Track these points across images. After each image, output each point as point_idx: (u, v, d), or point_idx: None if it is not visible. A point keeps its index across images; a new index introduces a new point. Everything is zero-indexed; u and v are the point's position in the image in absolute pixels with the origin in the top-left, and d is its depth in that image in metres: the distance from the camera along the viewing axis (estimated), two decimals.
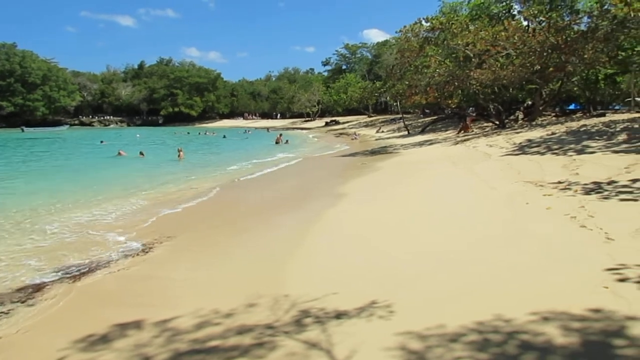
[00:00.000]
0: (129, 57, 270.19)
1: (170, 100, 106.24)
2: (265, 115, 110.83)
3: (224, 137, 47.94)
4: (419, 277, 4.85)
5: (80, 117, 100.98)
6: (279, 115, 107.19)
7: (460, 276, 4.73)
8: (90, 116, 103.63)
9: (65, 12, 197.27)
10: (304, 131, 61.13)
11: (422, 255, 5.56)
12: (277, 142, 36.68)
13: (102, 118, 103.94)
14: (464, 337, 3.36)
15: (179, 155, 24.92)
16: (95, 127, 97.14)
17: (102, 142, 39.37)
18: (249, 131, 61.43)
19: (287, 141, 38.21)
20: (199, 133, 57.92)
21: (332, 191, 11.39)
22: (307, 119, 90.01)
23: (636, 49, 25.46)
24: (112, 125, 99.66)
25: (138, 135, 52.98)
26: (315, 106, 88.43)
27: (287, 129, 71.55)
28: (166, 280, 5.56)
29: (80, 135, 59.45)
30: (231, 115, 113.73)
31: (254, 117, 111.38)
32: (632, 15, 19.31)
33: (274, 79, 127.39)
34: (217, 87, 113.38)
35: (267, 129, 69.89)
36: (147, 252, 6.84)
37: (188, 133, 59.63)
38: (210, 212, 10.03)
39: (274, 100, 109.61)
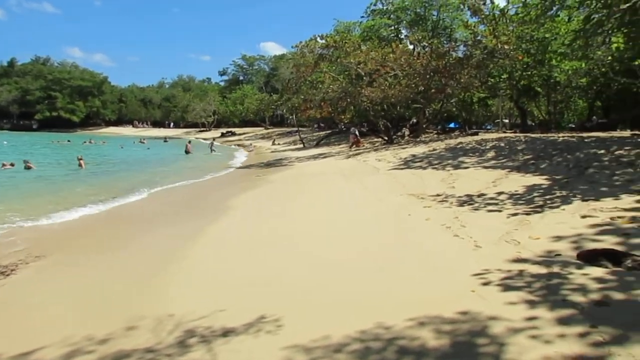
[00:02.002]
0: None
1: (47, 104, 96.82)
2: (157, 124, 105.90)
3: (121, 147, 42.90)
4: (307, 289, 4.90)
5: None
6: (172, 124, 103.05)
7: (347, 286, 4.87)
8: None
9: None
10: (202, 142, 58.97)
11: (311, 267, 5.63)
12: (187, 152, 34.76)
13: None
14: (347, 347, 3.44)
15: (79, 164, 22.52)
16: None
17: None
18: (143, 140, 55.79)
19: (213, 142, 37.44)
20: (84, 142, 51.98)
21: (223, 204, 11.13)
22: (202, 129, 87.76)
23: (502, 77, 28.76)
24: None
25: (5, 143, 46.54)
26: (211, 116, 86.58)
27: (182, 138, 68.94)
28: (30, 307, 4.98)
29: None
30: (119, 122, 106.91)
31: (144, 125, 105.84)
32: (499, 47, 21.84)
33: (167, 86, 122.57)
34: (104, 91, 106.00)
35: (165, 138, 65.97)
36: (7, 274, 6.08)
37: (69, 141, 54.02)
38: (92, 228, 9.25)
39: (167, 108, 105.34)
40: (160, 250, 7.23)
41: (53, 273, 6.16)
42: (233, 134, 71.73)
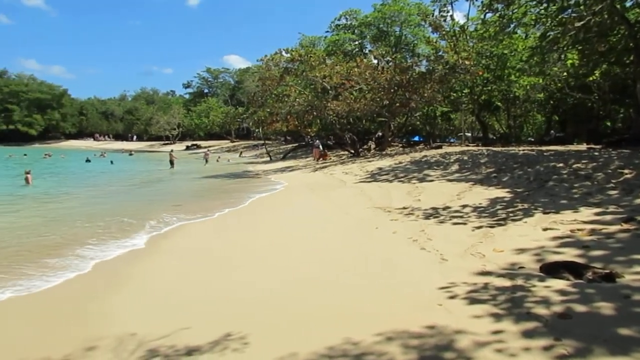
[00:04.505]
0: None
1: (3, 117, 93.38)
2: (119, 137, 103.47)
3: (88, 161, 39.75)
4: (273, 305, 4.80)
5: None
6: (135, 137, 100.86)
7: (314, 301, 4.79)
8: None
9: None
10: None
11: (278, 283, 5.53)
12: (171, 162, 32.38)
13: None
14: None
15: (26, 179, 20.13)
16: None
17: None
18: (104, 154, 52.01)
19: (207, 152, 37.93)
20: (45, 155, 48.97)
21: (187, 218, 10.86)
22: (166, 142, 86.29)
23: (464, 92, 29.57)
24: None
25: None
26: (175, 129, 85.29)
27: (146, 152, 67.57)
28: None
29: None
30: (79, 135, 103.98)
31: (106, 138, 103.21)
32: (460, 63, 22.47)
33: (129, 98, 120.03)
34: (63, 104, 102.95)
35: (130, 152, 63.91)
36: None
37: (25, 155, 51.88)
38: (27, 243, 8.75)
39: (130, 121, 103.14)
40: (116, 267, 6.93)
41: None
42: (198, 147, 70.87)
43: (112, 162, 39.92)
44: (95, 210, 12.91)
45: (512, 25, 17.69)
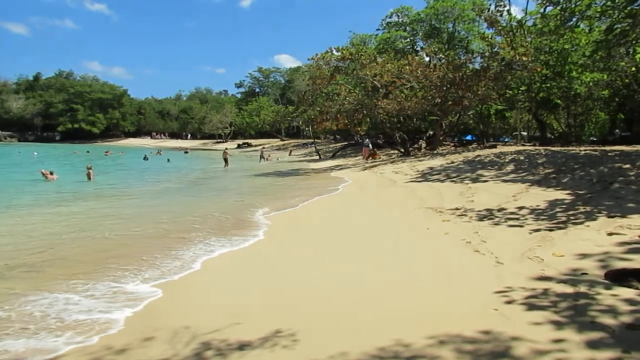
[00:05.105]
0: (22, 67, 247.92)
1: (69, 116, 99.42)
2: (174, 135, 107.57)
3: (145, 158, 40.96)
4: (322, 303, 4.80)
5: None
6: (189, 135, 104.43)
7: (364, 301, 4.76)
8: None
9: None
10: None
11: (326, 281, 5.53)
12: (225, 160, 32.48)
13: None
14: None
15: (88, 175, 20.67)
16: None
17: None
18: (160, 152, 54.11)
19: (263, 150, 39.54)
20: (106, 153, 51.80)
21: (238, 216, 11.07)
22: (218, 140, 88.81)
23: (520, 89, 28.44)
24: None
25: (35, 154, 46.07)
26: (227, 128, 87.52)
27: (200, 150, 69.76)
28: None
29: None
30: (138, 133, 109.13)
31: (162, 136, 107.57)
32: (517, 59, 21.62)
33: (184, 98, 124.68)
34: (123, 104, 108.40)
35: (186, 150, 66.05)
36: None
37: (88, 152, 55.17)
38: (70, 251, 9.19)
39: (184, 120, 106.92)
40: (173, 264, 7.15)
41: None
42: (249, 145, 72.44)
43: (168, 159, 41.16)
44: (174, 205, 13.27)
45: (574, 19, 16.77)
